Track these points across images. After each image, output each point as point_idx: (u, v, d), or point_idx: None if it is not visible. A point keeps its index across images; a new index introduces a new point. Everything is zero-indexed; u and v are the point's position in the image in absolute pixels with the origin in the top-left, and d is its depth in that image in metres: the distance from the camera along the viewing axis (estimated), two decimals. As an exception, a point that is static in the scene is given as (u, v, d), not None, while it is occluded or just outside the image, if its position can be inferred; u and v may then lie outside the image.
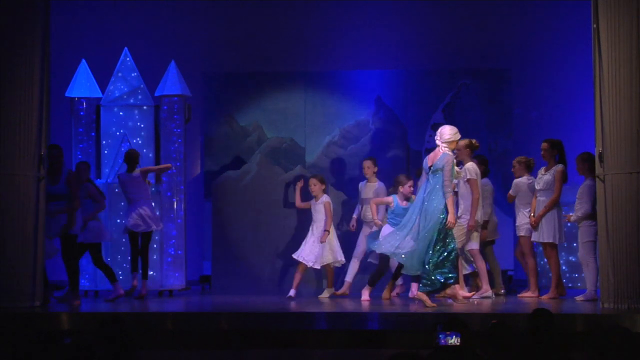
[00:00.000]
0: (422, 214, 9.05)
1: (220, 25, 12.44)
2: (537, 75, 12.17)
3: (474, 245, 9.97)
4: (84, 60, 11.11)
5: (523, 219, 10.17)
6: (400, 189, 9.86)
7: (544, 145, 10.07)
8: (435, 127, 11.34)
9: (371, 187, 10.52)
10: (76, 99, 11.05)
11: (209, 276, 11.54)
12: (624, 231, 8.56)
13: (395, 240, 9.14)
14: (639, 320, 7.88)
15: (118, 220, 10.82)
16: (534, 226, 9.95)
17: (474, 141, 10.18)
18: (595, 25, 8.83)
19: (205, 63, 12.14)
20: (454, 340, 5.22)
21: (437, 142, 9.23)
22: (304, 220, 11.09)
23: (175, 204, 10.98)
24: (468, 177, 9.93)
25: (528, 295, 10.12)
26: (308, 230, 10.54)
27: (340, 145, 11.19)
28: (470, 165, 10.00)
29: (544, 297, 9.98)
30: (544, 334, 5.96)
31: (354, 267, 10.51)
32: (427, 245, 8.98)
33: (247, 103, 11.49)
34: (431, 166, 9.14)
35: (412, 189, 9.91)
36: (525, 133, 11.97)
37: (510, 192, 10.27)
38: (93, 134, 11.07)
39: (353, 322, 8.45)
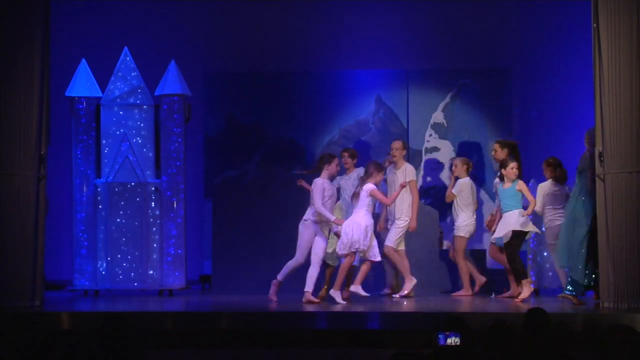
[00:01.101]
0: (572, 215, 9.13)
1: (220, 25, 12.44)
2: (537, 75, 12.18)
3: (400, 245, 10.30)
4: (84, 60, 11.10)
5: (464, 219, 10.27)
6: (504, 171, 9.80)
7: (495, 146, 10.18)
8: (435, 127, 11.38)
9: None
10: (76, 98, 11.05)
11: (209, 276, 11.55)
12: (624, 231, 8.56)
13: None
14: (639, 319, 7.88)
15: (118, 220, 10.82)
16: (489, 228, 10.09)
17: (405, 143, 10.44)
18: (595, 25, 8.83)
19: (205, 63, 12.14)
20: (453, 340, 5.23)
21: (585, 144, 9.24)
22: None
23: (175, 203, 10.98)
24: (411, 178, 10.16)
25: (462, 295, 10.29)
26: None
27: (340, 145, 11.19)
28: (410, 167, 10.23)
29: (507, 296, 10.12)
30: (539, 333, 5.97)
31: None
32: (581, 248, 9.03)
33: (247, 103, 11.50)
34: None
35: (515, 170, 9.81)
36: (525, 133, 11.97)
37: (453, 190, 10.31)
38: (93, 133, 11.07)
39: (353, 322, 8.45)
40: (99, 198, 10.89)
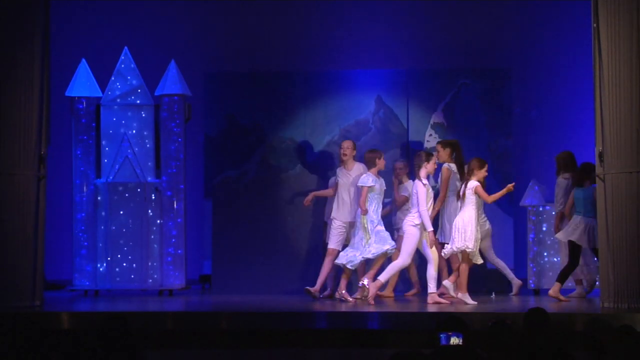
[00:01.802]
0: None
1: (220, 25, 12.44)
2: (537, 75, 12.18)
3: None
4: (84, 60, 11.10)
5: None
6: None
7: (437, 146, 10.17)
8: (435, 127, 11.38)
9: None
10: (76, 98, 11.05)
11: (209, 275, 11.55)
12: (623, 231, 8.57)
13: None
14: (639, 319, 7.88)
15: (118, 220, 10.81)
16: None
17: None
18: (595, 25, 8.84)
19: (205, 63, 12.14)
20: (455, 340, 5.23)
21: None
22: (304, 220, 11.09)
23: (175, 203, 10.98)
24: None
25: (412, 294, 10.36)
26: (308, 230, 10.59)
27: (340, 145, 11.16)
28: (363, 166, 10.22)
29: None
30: (540, 332, 5.97)
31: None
32: None
33: (247, 103, 11.48)
34: None
35: None
36: (525, 133, 11.97)
37: (404, 193, 10.35)
38: (93, 133, 11.06)
39: (353, 321, 8.45)
40: (99, 198, 10.89)
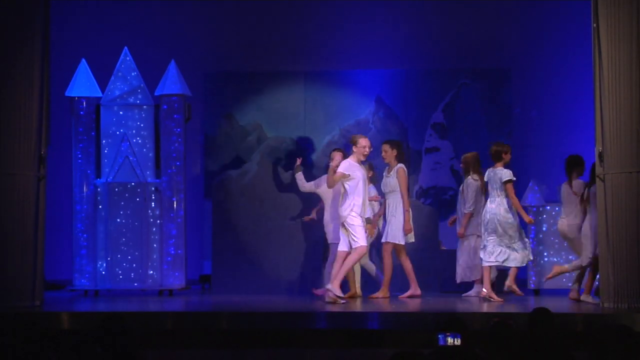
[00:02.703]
0: None
1: (220, 25, 12.45)
2: (537, 75, 12.19)
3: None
4: (84, 60, 11.11)
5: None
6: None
7: (385, 146, 10.03)
8: (435, 127, 11.39)
9: None
10: (76, 98, 11.05)
11: (209, 275, 11.55)
12: (624, 231, 8.56)
13: None
14: (639, 319, 7.88)
15: (118, 220, 10.82)
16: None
17: None
18: (595, 25, 8.84)
19: (205, 63, 12.15)
20: (454, 341, 5.23)
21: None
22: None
23: (175, 203, 10.98)
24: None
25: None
26: (308, 230, 10.58)
27: (340, 145, 11.18)
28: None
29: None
30: (543, 333, 5.96)
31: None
32: None
33: (247, 103, 11.50)
34: None
35: None
36: (525, 133, 11.98)
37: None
38: (93, 133, 11.06)
39: (353, 321, 8.45)
40: (98, 198, 10.89)
